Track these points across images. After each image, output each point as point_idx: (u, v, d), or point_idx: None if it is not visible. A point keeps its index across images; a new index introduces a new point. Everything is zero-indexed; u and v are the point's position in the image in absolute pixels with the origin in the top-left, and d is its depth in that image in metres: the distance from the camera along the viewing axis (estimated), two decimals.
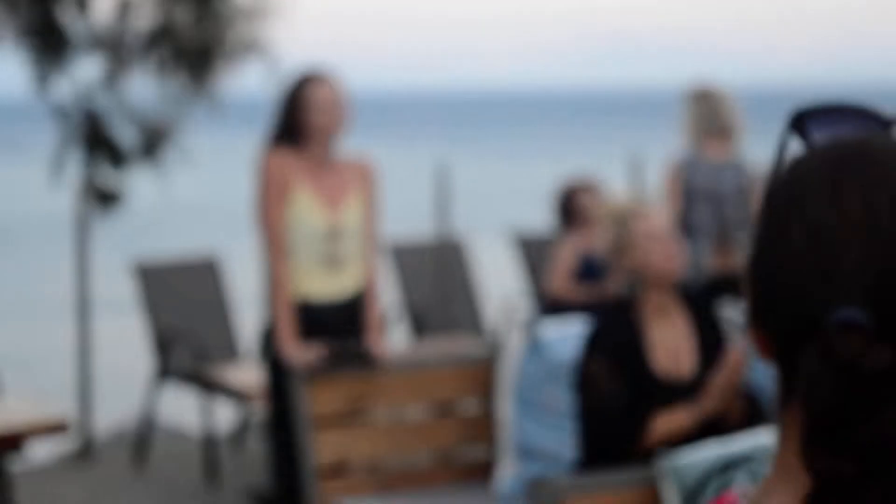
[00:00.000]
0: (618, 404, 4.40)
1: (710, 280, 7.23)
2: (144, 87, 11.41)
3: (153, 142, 11.40)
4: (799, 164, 1.22)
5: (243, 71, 11.38)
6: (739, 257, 7.14)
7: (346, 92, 5.43)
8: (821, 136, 1.26)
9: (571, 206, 8.15)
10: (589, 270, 8.02)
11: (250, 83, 11.39)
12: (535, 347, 5.28)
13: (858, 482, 1.10)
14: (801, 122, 1.28)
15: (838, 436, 1.11)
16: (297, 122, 5.35)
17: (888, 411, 1.11)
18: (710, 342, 4.56)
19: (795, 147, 1.27)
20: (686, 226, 7.19)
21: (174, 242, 24.08)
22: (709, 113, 7.31)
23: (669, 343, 4.53)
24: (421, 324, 8.78)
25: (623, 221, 4.61)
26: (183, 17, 11.16)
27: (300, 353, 5.19)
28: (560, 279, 8.07)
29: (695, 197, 7.26)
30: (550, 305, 8.13)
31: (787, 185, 1.21)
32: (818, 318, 1.14)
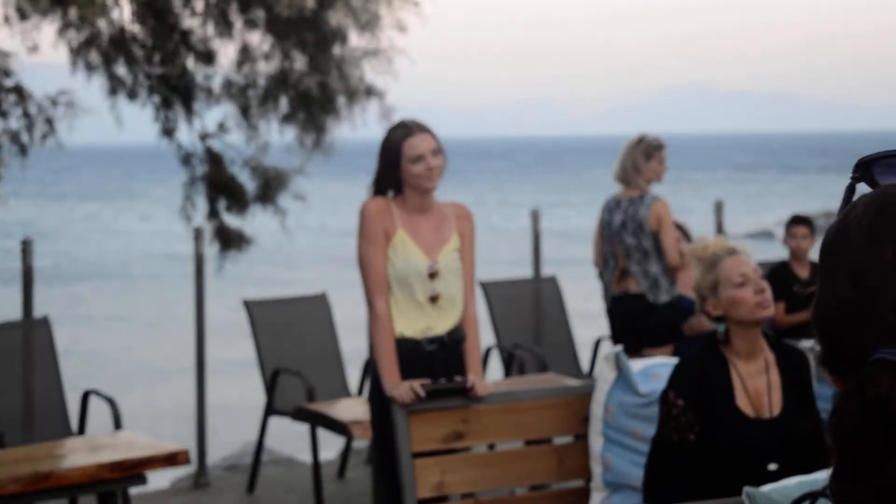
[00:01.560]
0: (686, 439, 4.31)
1: (610, 299, 7.77)
2: (265, 134, 11.48)
3: (271, 187, 11.44)
4: (847, 213, 1.22)
5: (360, 116, 11.38)
6: (634, 284, 7.69)
7: (442, 142, 5.38)
8: (885, 180, 1.26)
9: None
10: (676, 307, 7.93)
11: (367, 129, 11.37)
12: (623, 380, 5.18)
13: None
14: (867, 168, 1.28)
15: (862, 469, 1.09)
16: (396, 171, 5.32)
17: None
18: (796, 383, 4.45)
19: (863, 190, 1.28)
20: (605, 258, 7.85)
21: (290, 281, 24.21)
22: (618, 161, 7.94)
23: (755, 382, 4.42)
24: (516, 361, 8.66)
25: (714, 263, 4.51)
26: (300, 63, 11.18)
27: (403, 387, 5.11)
28: None
29: (605, 233, 7.85)
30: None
31: (835, 233, 1.22)
32: (862, 357, 1.14)
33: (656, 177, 7.87)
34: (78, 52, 11.06)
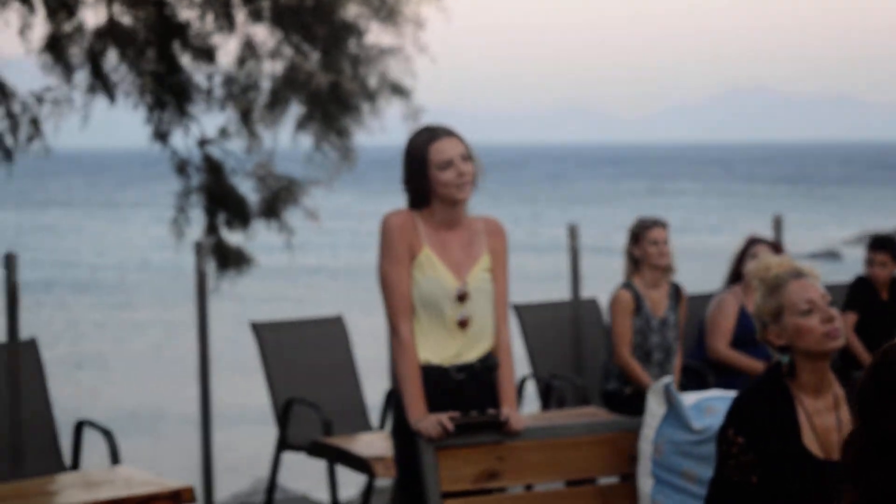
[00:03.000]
0: (748, 480, 4.30)
1: None
2: (269, 142, 11.36)
3: (278, 200, 11.30)
4: None
5: (383, 118, 11.21)
6: None
7: (472, 148, 5.36)
8: None
9: (740, 262, 8.43)
10: (747, 331, 8.05)
11: (386, 134, 11.24)
12: (674, 415, 5.17)
13: None
14: None
15: (865, 423, 1.24)
16: (424, 180, 5.30)
17: None
18: None
19: None
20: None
21: (302, 303, 24.21)
22: None
23: (824, 420, 4.41)
24: (554, 392, 8.66)
25: (778, 287, 4.49)
26: (312, 61, 11.02)
27: (430, 421, 5.11)
28: (723, 342, 8.20)
29: None
30: (717, 368, 8.21)
31: None
32: None
33: (653, 260, 8.07)
34: (57, 46, 10.91)
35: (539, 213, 58.64)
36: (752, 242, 8.50)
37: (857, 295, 8.80)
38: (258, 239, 11.47)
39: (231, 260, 11.22)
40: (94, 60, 11.03)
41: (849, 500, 1.30)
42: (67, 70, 11.03)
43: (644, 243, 8.01)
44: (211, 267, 10.95)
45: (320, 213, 11.56)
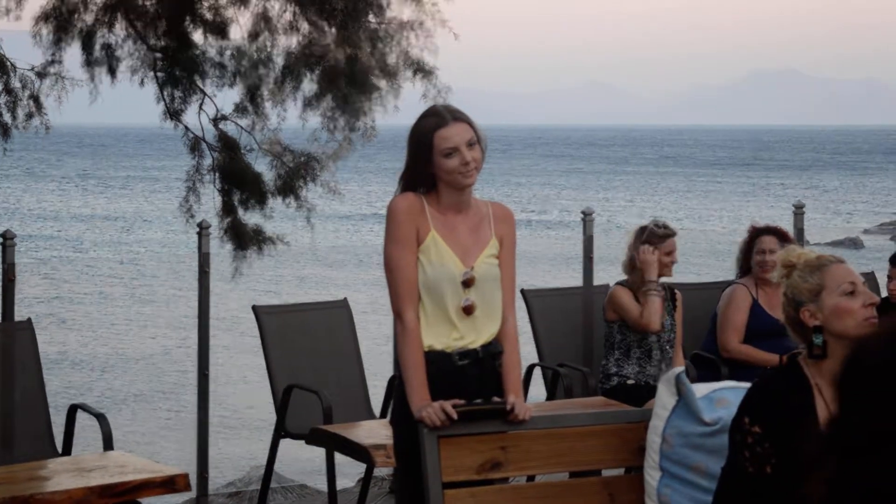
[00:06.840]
0: (763, 472, 4.29)
1: None
2: (278, 120, 11.26)
3: (296, 176, 11.17)
4: None
5: (402, 94, 11.12)
6: None
7: (481, 130, 5.35)
8: None
9: (748, 253, 8.39)
10: (761, 324, 8.02)
11: (410, 108, 11.10)
12: (685, 406, 5.15)
13: None
14: None
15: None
16: (428, 165, 5.30)
17: None
18: None
19: None
20: None
21: (309, 285, 24.23)
22: None
23: None
24: (562, 381, 8.65)
25: (820, 267, 4.51)
26: (328, 35, 10.88)
27: (433, 408, 5.10)
28: (735, 338, 8.17)
29: None
30: (730, 364, 8.17)
31: None
32: None
33: (664, 272, 8.30)
34: (61, 19, 10.81)
35: (552, 193, 58.69)
36: (758, 233, 8.43)
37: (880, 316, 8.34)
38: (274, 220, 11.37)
39: (250, 240, 11.10)
40: (89, 36, 10.92)
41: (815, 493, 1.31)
42: (60, 44, 10.94)
43: (660, 252, 8.17)
44: (227, 249, 10.90)
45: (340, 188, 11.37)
